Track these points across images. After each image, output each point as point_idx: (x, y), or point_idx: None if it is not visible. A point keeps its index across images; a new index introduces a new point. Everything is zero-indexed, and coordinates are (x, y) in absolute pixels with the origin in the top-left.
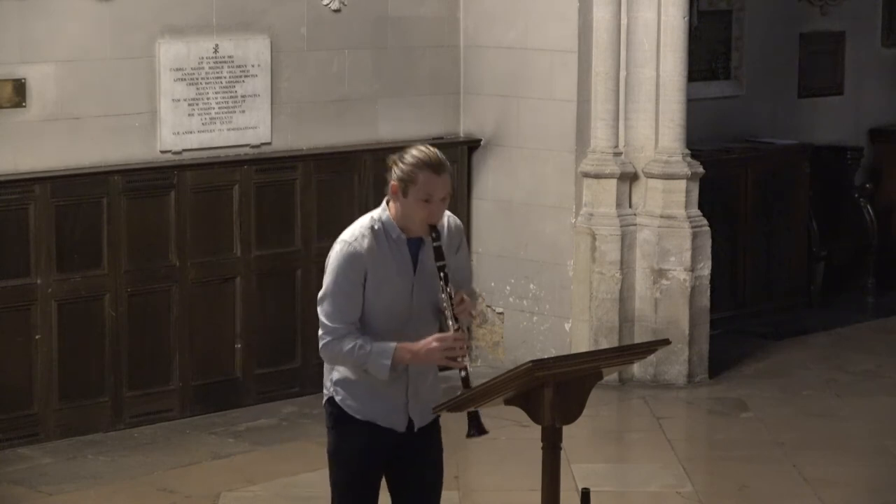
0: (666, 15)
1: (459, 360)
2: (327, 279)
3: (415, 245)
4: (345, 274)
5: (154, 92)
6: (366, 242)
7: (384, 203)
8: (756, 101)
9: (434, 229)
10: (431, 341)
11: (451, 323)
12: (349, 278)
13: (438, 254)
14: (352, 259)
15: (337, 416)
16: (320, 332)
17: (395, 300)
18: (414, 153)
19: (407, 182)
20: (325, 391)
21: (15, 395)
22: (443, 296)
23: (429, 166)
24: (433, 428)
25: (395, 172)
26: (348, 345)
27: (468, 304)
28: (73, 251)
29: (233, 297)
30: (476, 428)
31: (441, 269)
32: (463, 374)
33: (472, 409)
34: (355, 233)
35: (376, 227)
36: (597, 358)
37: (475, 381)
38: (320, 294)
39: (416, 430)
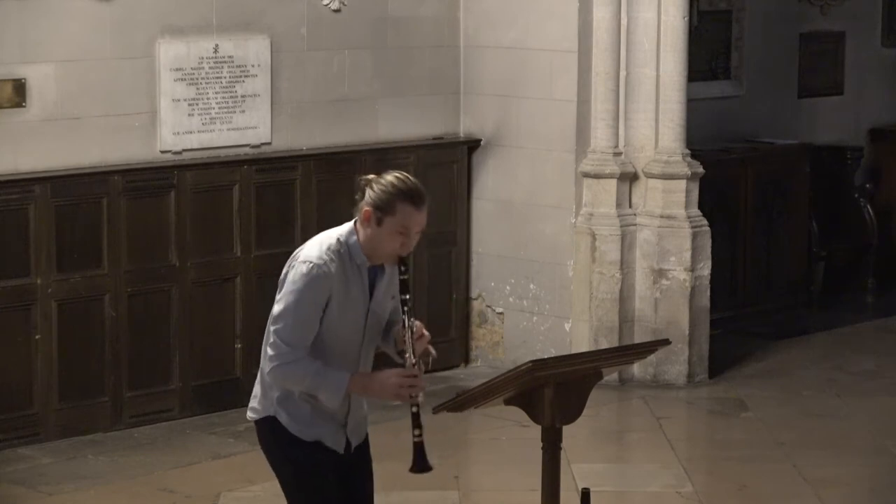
0: (666, 15)
1: (413, 396)
2: (289, 299)
3: (373, 272)
4: (310, 296)
5: (154, 92)
6: (334, 267)
7: (352, 225)
8: (756, 101)
9: (403, 262)
10: (391, 376)
11: (409, 356)
12: (313, 301)
13: (404, 286)
14: (320, 282)
15: (287, 441)
16: (271, 352)
17: (352, 324)
18: (394, 182)
19: (384, 211)
20: (258, 408)
21: (15, 395)
22: (404, 329)
23: (409, 198)
24: (366, 444)
25: (371, 197)
26: (302, 370)
27: (427, 339)
28: (73, 251)
29: (233, 297)
30: (419, 464)
31: (404, 302)
32: (414, 409)
33: (417, 439)
34: (322, 255)
35: (342, 250)
36: (597, 358)
37: (475, 382)
38: (277, 312)
39: (353, 449)
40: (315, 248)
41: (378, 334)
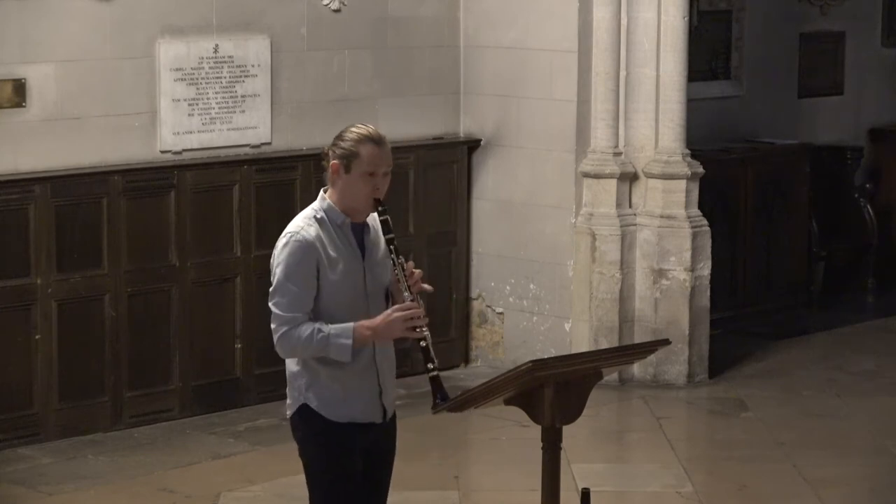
0: (666, 15)
1: (419, 330)
2: (278, 272)
3: (359, 231)
4: (295, 264)
5: (154, 92)
6: (312, 231)
7: (322, 193)
8: (756, 101)
9: (380, 203)
10: (391, 313)
11: (406, 294)
12: (300, 268)
13: (386, 227)
14: (301, 248)
15: (316, 427)
16: (273, 325)
17: (351, 287)
18: (353, 129)
19: (349, 158)
20: (290, 402)
21: (15, 395)
22: (395, 268)
23: (370, 140)
24: (393, 427)
25: (335, 153)
26: (305, 332)
27: (419, 275)
28: (73, 251)
29: (233, 297)
30: (441, 397)
31: (390, 241)
32: (423, 343)
33: (433, 374)
34: (298, 224)
35: (319, 215)
36: (597, 358)
37: (475, 382)
38: (272, 288)
39: (388, 418)
40: (292, 223)
41: (384, 295)
